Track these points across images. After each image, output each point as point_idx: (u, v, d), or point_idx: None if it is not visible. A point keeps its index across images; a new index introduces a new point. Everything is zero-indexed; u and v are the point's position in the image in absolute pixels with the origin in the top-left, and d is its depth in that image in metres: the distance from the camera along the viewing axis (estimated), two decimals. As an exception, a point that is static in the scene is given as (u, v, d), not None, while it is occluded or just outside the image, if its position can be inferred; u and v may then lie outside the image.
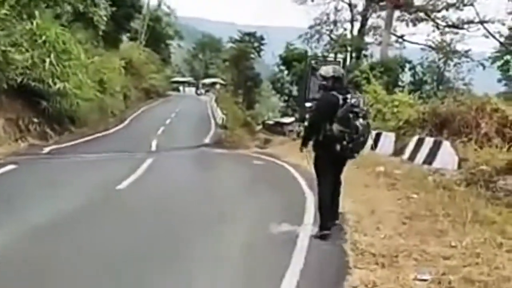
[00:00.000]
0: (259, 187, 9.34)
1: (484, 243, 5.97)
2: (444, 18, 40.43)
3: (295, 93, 42.68)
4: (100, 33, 22.91)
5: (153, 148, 17.05)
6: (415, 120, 14.55)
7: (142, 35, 51.03)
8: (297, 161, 14.04)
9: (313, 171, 6.40)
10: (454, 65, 41.01)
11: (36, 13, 16.40)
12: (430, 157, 11.52)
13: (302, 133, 16.09)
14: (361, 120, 5.81)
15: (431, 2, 42.06)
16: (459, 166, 10.79)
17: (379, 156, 13.53)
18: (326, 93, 6.04)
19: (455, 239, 6.09)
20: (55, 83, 16.02)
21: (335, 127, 5.73)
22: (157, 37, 55.72)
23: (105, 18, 22.80)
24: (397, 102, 17.94)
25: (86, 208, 6.92)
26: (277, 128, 65.01)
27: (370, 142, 6.27)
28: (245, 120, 55.41)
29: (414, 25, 42.42)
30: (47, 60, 15.66)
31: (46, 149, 14.11)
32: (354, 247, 5.82)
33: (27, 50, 15.14)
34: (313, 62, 18.24)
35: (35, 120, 15.92)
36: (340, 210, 7.17)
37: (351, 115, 5.73)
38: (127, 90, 35.80)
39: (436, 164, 11.19)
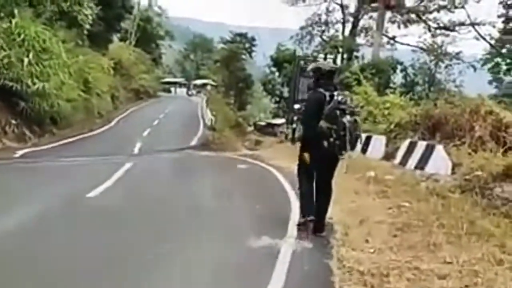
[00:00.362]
0: (241, 195, 8.70)
1: (482, 259, 5.46)
2: (435, 20, 40.12)
3: (286, 94, 42.26)
4: (85, 32, 22.15)
5: (136, 151, 16.39)
6: (406, 123, 14.01)
7: (132, 35, 50.27)
8: (285, 164, 13.49)
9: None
10: (445, 67, 40.75)
11: (16, 11, 15.71)
12: (423, 162, 10.98)
13: (289, 135, 15.39)
14: (348, 117, 5.76)
15: (422, 4, 41.79)
16: (453, 172, 10.25)
17: (369, 160, 12.99)
18: (313, 91, 6.09)
19: (451, 255, 5.57)
20: (34, 83, 15.32)
21: (322, 123, 5.72)
22: (147, 37, 55.01)
23: (90, 17, 22.06)
24: (388, 104, 17.44)
25: (43, 220, 6.23)
26: (268, 129, 64.57)
27: (359, 143, 6.16)
28: (236, 121, 54.80)
29: (406, 26, 42.13)
30: (26, 59, 14.97)
31: (20, 152, 13.33)
32: (341, 264, 5.28)
33: (3, 49, 14.43)
34: (302, 62, 17.60)
35: (13, 121, 15.21)
36: (328, 219, 6.76)
37: (338, 112, 5.72)
38: (115, 90, 35.08)
39: (428, 169, 10.65)
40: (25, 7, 16.36)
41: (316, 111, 5.81)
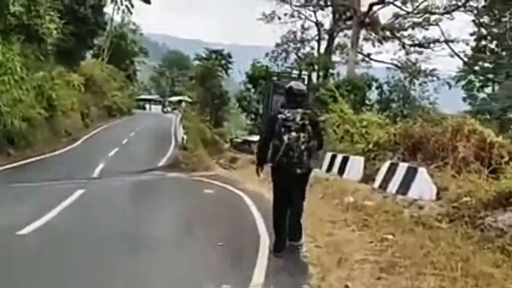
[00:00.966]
0: (203, 227, 7.52)
1: (484, 312, 4.44)
2: (410, 36, 39.96)
3: (261, 111, 41.49)
4: (49, 47, 20.85)
5: (96, 173, 15.07)
6: (385, 142, 13.09)
7: (105, 51, 48.92)
8: (257, 188, 12.38)
9: None
10: (420, 84, 40.65)
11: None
12: (405, 186, 10.01)
13: None
14: (293, 133, 5.88)
15: (397, 21, 41.67)
16: (438, 197, 9.29)
17: (346, 182, 11.99)
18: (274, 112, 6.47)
19: (447, 306, 4.54)
20: (-17, 100, 14.02)
21: (273, 142, 6.01)
22: (121, 54, 53.77)
23: (55, 31, 20.80)
24: (365, 122, 16.57)
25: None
26: (245, 146, 63.68)
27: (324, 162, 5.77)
28: (212, 138, 53.73)
29: (381, 44, 41.92)
30: (-29, 74, 13.68)
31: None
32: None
33: None
34: (275, 78, 16.57)
35: (-42, 142, 13.82)
36: (303, 258, 6.15)
37: (282, 129, 5.88)
38: (85, 108, 33.65)
39: (411, 194, 9.68)
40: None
41: (270, 130, 6.05)
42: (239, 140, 68.43)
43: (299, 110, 5.96)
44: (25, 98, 16.33)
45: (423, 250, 6.43)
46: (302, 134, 5.89)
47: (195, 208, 9.19)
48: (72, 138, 25.45)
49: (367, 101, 34.34)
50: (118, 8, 49.52)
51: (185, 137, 24.46)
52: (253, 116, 44.54)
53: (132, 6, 49.52)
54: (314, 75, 40.17)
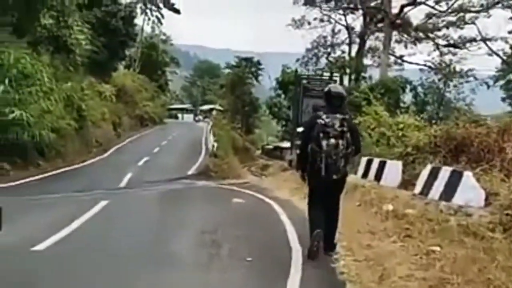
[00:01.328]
0: (231, 241, 6.90)
1: None
2: (445, 36, 38.47)
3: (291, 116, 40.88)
4: (78, 58, 20.86)
5: (123, 183, 14.68)
6: (425, 145, 12.21)
7: (136, 62, 49.31)
8: (289, 196, 11.74)
9: None
10: (455, 86, 39.12)
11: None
12: (449, 192, 9.15)
13: (294, 162, 13.69)
14: (332, 140, 5.73)
15: (430, 21, 40.32)
16: (487, 203, 8.42)
17: (384, 189, 11.18)
18: (312, 115, 6.31)
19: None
20: (12, 111, 13.85)
21: (311, 146, 5.85)
22: (152, 64, 54.14)
23: (83, 42, 20.79)
24: (401, 124, 15.68)
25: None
26: (276, 153, 62.91)
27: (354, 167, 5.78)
28: (243, 146, 53.30)
29: (414, 45, 40.62)
30: (0, 86, 13.52)
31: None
32: None
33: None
34: (304, 82, 15.73)
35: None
36: (339, 274, 5.50)
37: (321, 135, 5.74)
38: (116, 118, 33.76)
39: (456, 200, 8.82)
40: (5, 30, 14.93)
41: (307, 135, 5.93)
42: (270, 147, 67.71)
43: (338, 116, 5.79)
44: (54, 108, 16.19)
45: (477, 265, 5.66)
46: (340, 141, 5.76)
47: (223, 219, 8.59)
48: (103, 148, 25.40)
49: (401, 104, 33.19)
50: (149, 19, 49.86)
51: (215, 144, 24.02)
52: (284, 122, 43.81)
53: (163, 16, 49.87)
54: (345, 79, 39.44)
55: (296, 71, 39.88)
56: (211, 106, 63.14)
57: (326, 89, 6.17)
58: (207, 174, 17.73)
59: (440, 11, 38.83)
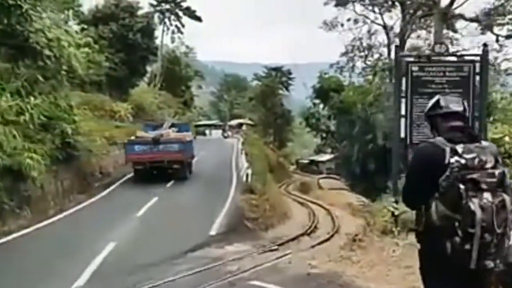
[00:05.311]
0: None
1: None
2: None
3: (333, 128, 34.09)
4: (63, 67, 14.50)
5: (84, 278, 6.94)
6: None
7: (157, 77, 43.21)
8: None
9: None
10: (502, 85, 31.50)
11: None
12: None
13: (413, 224, 6.10)
14: (488, 197, 2.47)
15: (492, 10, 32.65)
16: None
17: None
18: (424, 143, 2.84)
19: None
20: None
21: (436, 207, 2.60)
22: (175, 79, 48.11)
23: (78, 53, 14.69)
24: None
25: None
26: (312, 167, 56.07)
27: None
28: (278, 162, 46.51)
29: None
30: None
31: None
32: None
33: None
34: (414, 67, 8.46)
35: None
36: None
37: (462, 187, 2.48)
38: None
39: None
40: None
41: (424, 181, 2.62)
42: (305, 161, 60.94)
43: (485, 145, 2.63)
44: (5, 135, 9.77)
45: None
46: (505, 197, 2.50)
47: None
48: (109, 181, 18.91)
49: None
50: (168, 29, 43.79)
51: (249, 172, 17.03)
52: (324, 134, 36.86)
53: (183, 26, 43.62)
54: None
55: (338, 78, 33.39)
56: (240, 120, 56.70)
57: (433, 100, 2.87)
58: (242, 227, 10.81)
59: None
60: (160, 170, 18.21)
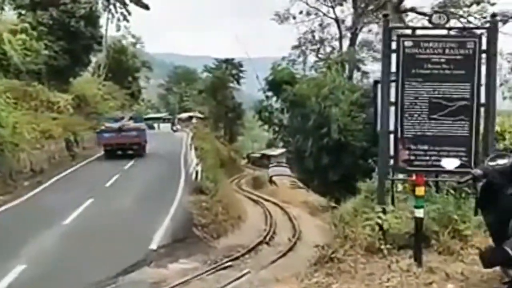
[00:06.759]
0: None
1: None
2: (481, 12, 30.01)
3: (286, 121, 32.71)
4: None
5: None
6: None
7: (101, 67, 40.09)
8: None
9: None
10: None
11: None
12: None
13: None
14: None
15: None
16: None
17: None
18: None
19: None
20: None
21: None
22: (122, 70, 45.03)
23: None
24: None
25: None
26: (263, 161, 54.77)
27: None
28: (229, 156, 44.75)
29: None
30: None
31: None
32: None
33: None
34: (408, 42, 6.76)
35: None
36: None
37: None
38: (71, 134, 24.78)
39: None
40: None
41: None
42: (257, 155, 59.54)
43: None
44: None
45: None
46: None
47: None
48: (38, 179, 16.49)
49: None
50: (113, 16, 40.68)
51: (199, 169, 15.11)
52: (276, 128, 35.43)
53: (129, 13, 40.62)
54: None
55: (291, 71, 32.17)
56: (190, 114, 54.22)
57: None
58: (190, 237, 8.97)
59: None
60: (124, 150, 24.24)
